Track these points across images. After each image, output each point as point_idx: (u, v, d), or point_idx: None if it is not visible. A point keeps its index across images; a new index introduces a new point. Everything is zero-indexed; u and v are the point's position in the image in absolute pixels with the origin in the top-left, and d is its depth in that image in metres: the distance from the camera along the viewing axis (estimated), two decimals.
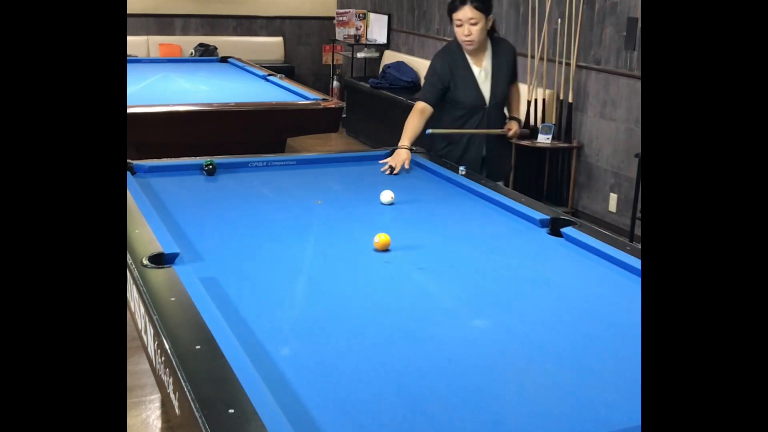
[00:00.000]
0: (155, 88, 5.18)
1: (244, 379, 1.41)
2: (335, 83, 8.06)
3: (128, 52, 7.44)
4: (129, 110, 3.98)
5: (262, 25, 8.58)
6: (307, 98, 4.85)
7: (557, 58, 5.20)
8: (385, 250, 2.25)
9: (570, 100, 5.18)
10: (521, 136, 3.87)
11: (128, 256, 2.02)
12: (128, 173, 2.81)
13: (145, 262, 1.97)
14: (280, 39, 8.61)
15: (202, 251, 2.19)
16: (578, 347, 1.72)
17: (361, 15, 8.06)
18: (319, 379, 1.53)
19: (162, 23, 8.15)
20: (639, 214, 4.47)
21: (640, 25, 4.63)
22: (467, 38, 3.28)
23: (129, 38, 7.62)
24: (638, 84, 4.71)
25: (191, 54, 7.80)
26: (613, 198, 4.97)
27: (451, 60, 3.38)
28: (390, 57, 7.57)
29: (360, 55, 7.94)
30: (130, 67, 5.12)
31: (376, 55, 7.93)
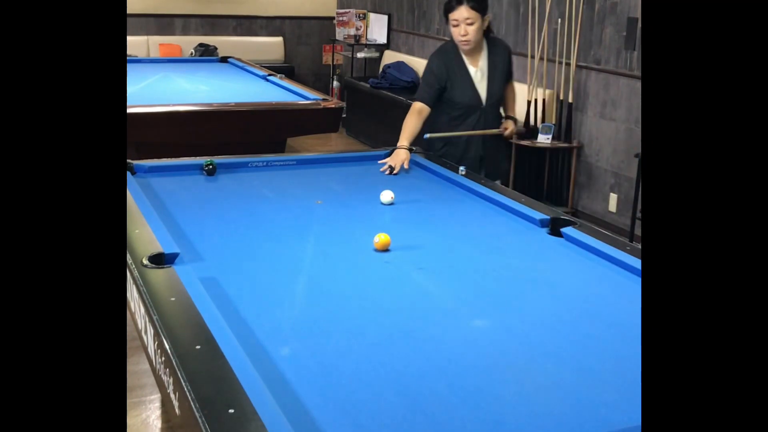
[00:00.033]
0: (155, 88, 5.18)
1: (244, 379, 1.41)
2: (335, 83, 8.06)
3: (128, 52, 7.44)
4: (129, 110, 3.98)
5: (262, 25, 8.58)
6: (307, 98, 4.86)
7: (557, 58, 5.20)
8: (385, 250, 2.25)
9: (570, 100, 5.18)
10: (517, 135, 3.88)
11: (128, 256, 2.02)
12: (128, 173, 2.81)
13: (145, 262, 1.97)
14: (280, 39, 8.61)
15: (202, 251, 2.19)
16: (578, 347, 1.72)
17: (361, 15, 8.06)
18: (319, 379, 1.53)
19: (162, 23, 8.15)
20: (639, 214, 4.47)
21: (640, 25, 4.63)
22: (464, 38, 3.29)
23: (129, 38, 7.62)
24: (638, 84, 4.71)
25: (191, 54, 7.81)
26: (613, 198, 4.97)
27: (448, 60, 3.39)
28: (390, 57, 7.57)
29: (360, 55, 7.94)
30: (130, 67, 5.12)
31: (376, 55, 7.93)
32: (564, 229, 2.42)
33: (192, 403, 1.34)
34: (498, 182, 3.25)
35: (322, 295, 1.96)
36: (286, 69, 7.38)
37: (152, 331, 1.69)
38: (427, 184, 3.06)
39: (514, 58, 5.81)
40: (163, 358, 1.58)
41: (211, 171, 3.02)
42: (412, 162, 3.25)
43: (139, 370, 3.01)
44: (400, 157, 3.18)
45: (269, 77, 5.63)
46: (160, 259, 2.00)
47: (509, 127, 3.51)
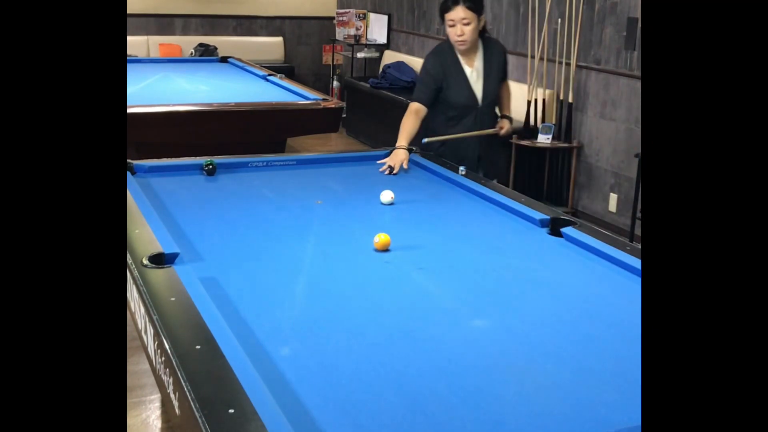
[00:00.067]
0: (155, 88, 5.18)
1: (244, 379, 1.41)
2: (335, 83, 8.06)
3: (128, 52, 7.44)
4: (129, 110, 3.98)
5: (262, 25, 8.58)
6: (307, 98, 4.86)
7: (557, 58, 5.20)
8: (385, 250, 2.25)
9: (570, 100, 5.18)
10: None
11: (128, 256, 2.02)
12: (128, 173, 2.81)
13: (145, 262, 1.97)
14: (280, 39, 8.61)
15: (202, 251, 2.19)
16: (578, 347, 1.72)
17: (361, 15, 8.06)
18: (319, 379, 1.53)
19: (162, 23, 8.15)
20: (639, 214, 4.47)
21: (640, 25, 4.63)
22: (460, 38, 3.30)
23: (129, 38, 7.62)
24: (638, 84, 4.71)
25: (191, 54, 7.81)
26: (613, 198, 4.97)
27: (443, 60, 3.40)
28: (390, 57, 7.57)
29: (360, 55, 7.94)
30: (130, 67, 5.13)
31: (376, 55, 7.94)
32: (564, 229, 2.42)
33: (192, 403, 1.34)
34: (495, 181, 3.25)
35: (322, 295, 1.96)
36: (286, 69, 7.38)
37: (152, 331, 1.69)
38: (427, 184, 3.06)
39: (514, 58, 5.85)
40: (163, 358, 1.58)
41: (211, 171, 3.02)
42: (411, 162, 3.25)
43: (139, 370, 3.01)
44: (399, 157, 3.18)
45: (269, 77, 5.63)
46: (160, 259, 2.00)
47: (505, 127, 3.53)
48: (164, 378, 1.58)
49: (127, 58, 6.19)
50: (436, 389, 1.51)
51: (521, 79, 5.71)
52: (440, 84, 3.37)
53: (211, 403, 1.33)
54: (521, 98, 5.46)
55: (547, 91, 5.30)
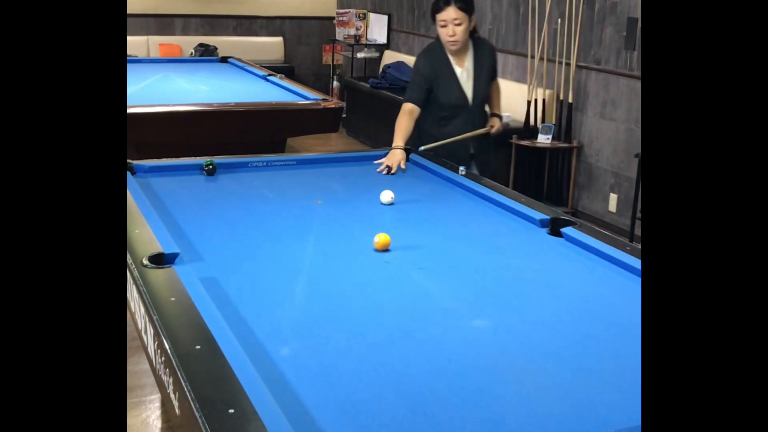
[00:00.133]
0: (155, 88, 5.18)
1: (244, 379, 1.41)
2: (335, 83, 8.06)
3: (128, 52, 7.44)
4: (129, 110, 3.98)
5: (262, 25, 8.58)
6: (307, 98, 4.86)
7: (557, 58, 5.20)
8: (385, 250, 2.25)
9: (570, 100, 5.18)
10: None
11: (128, 256, 2.02)
12: (128, 173, 2.81)
13: (145, 262, 1.97)
14: (280, 39, 8.61)
15: (202, 251, 2.19)
16: (578, 347, 1.72)
17: (361, 15, 8.06)
18: (319, 379, 1.53)
19: (162, 23, 8.15)
20: (639, 214, 4.47)
21: (640, 25, 4.63)
22: (451, 39, 3.32)
23: (129, 38, 7.62)
24: (638, 84, 4.71)
25: (191, 54, 7.81)
26: (613, 198, 4.97)
27: (434, 60, 3.42)
28: (390, 57, 7.57)
29: (360, 55, 7.94)
30: (130, 67, 5.13)
31: (376, 55, 7.94)
32: (564, 229, 2.42)
33: (192, 403, 1.34)
34: (495, 181, 3.25)
35: (322, 295, 1.96)
36: (286, 69, 7.39)
37: (152, 331, 1.69)
38: (427, 184, 3.06)
39: (514, 58, 5.85)
40: (163, 358, 1.58)
41: (211, 171, 3.02)
42: (412, 162, 3.25)
43: (139, 370, 3.01)
44: (396, 157, 3.19)
45: (269, 77, 5.64)
46: (160, 259, 2.00)
47: (495, 125, 3.58)
48: (164, 378, 1.58)
49: (127, 58, 6.19)
50: (436, 389, 1.51)
51: (521, 79, 5.71)
52: (431, 84, 3.39)
53: (211, 403, 1.33)
54: (521, 98, 5.46)
55: (547, 91, 5.30)
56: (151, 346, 1.73)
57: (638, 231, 4.51)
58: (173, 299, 1.78)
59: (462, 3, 3.27)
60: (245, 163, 3.17)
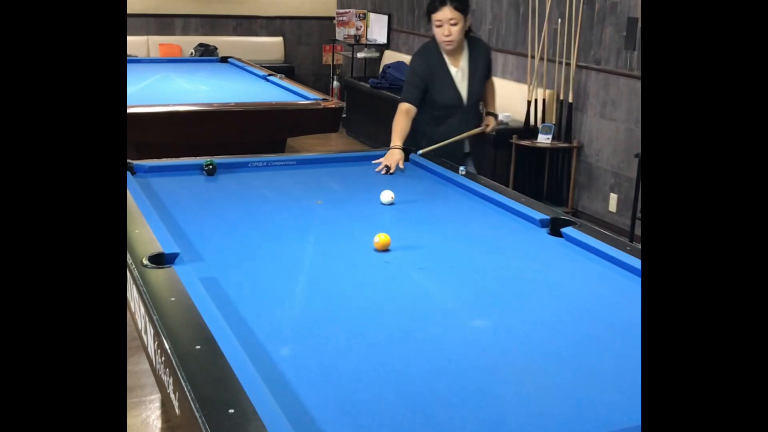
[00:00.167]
0: (155, 88, 5.18)
1: (244, 379, 1.41)
2: (335, 83, 8.06)
3: (128, 52, 7.44)
4: (129, 110, 3.98)
5: (262, 25, 8.58)
6: (307, 98, 4.86)
7: (557, 58, 5.20)
8: (385, 250, 2.25)
9: (570, 100, 5.18)
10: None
11: (128, 256, 2.02)
12: (128, 173, 2.81)
13: (145, 262, 1.97)
14: (280, 39, 8.61)
15: (202, 251, 2.19)
16: (578, 347, 1.72)
17: (361, 15, 8.06)
18: (319, 379, 1.53)
19: (162, 23, 8.15)
20: (639, 214, 4.47)
21: (640, 25, 4.63)
22: (447, 38, 3.33)
23: (129, 38, 7.62)
24: (638, 84, 4.71)
25: (191, 54, 7.81)
26: (613, 198, 4.97)
27: (430, 59, 3.44)
28: (390, 57, 7.57)
29: (360, 55, 7.94)
30: (130, 67, 5.12)
31: (376, 55, 7.94)
32: (564, 229, 2.42)
33: (192, 403, 1.34)
34: (494, 181, 3.26)
35: (322, 295, 1.96)
36: (286, 69, 7.38)
37: (152, 331, 1.69)
38: (427, 184, 3.06)
39: (514, 58, 5.85)
40: (163, 358, 1.58)
41: (211, 171, 3.02)
42: (412, 162, 3.26)
43: (139, 370, 3.01)
44: (394, 156, 3.19)
45: (269, 77, 5.64)
46: (160, 259, 2.00)
47: (491, 124, 3.62)
48: (164, 378, 1.58)
49: (127, 58, 6.19)
50: (436, 389, 1.51)
51: (521, 79, 5.71)
52: (427, 84, 3.40)
53: (211, 403, 1.33)
54: (521, 98, 5.46)
55: (547, 91, 5.30)
56: (151, 346, 1.73)
57: (638, 231, 4.51)
58: (173, 299, 1.78)
59: (457, 3, 3.29)
60: (245, 163, 3.17)
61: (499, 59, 6.06)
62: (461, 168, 3.09)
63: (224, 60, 6.74)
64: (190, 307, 1.73)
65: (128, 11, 7.37)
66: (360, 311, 1.87)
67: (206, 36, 8.26)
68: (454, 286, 2.06)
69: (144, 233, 2.18)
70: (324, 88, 8.16)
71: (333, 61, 8.40)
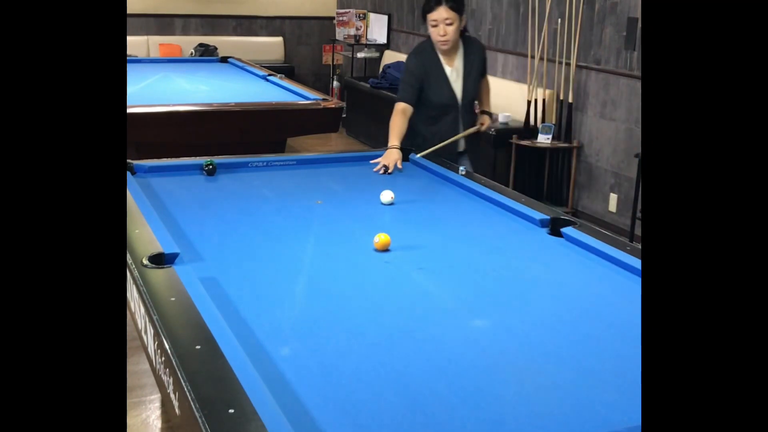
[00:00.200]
0: (155, 88, 5.18)
1: (244, 379, 1.41)
2: (335, 83, 8.06)
3: (128, 52, 7.44)
4: (129, 110, 3.98)
5: (262, 25, 8.58)
6: (307, 98, 4.86)
7: (557, 58, 5.20)
8: (385, 250, 2.25)
9: (570, 100, 5.18)
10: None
11: (128, 256, 2.02)
12: (128, 173, 2.81)
13: (145, 262, 1.97)
14: (280, 39, 8.61)
15: (202, 251, 2.19)
16: (578, 347, 1.72)
17: (361, 15, 8.06)
18: (319, 379, 1.53)
19: (162, 23, 8.15)
20: (639, 214, 4.47)
21: (640, 25, 4.63)
22: (443, 38, 3.34)
23: (129, 38, 7.62)
24: (638, 84, 4.71)
25: (191, 54, 7.81)
26: (613, 198, 4.97)
27: (425, 59, 3.45)
28: (390, 57, 7.57)
29: (360, 55, 7.94)
30: (130, 67, 5.12)
31: (376, 55, 7.93)
32: (564, 229, 2.42)
33: (192, 403, 1.34)
34: (494, 181, 3.27)
35: (322, 295, 1.96)
36: (286, 69, 7.38)
37: (152, 331, 1.69)
38: (427, 184, 3.06)
39: (514, 58, 5.85)
40: (163, 358, 1.58)
41: (211, 171, 3.02)
42: (412, 162, 3.26)
43: (139, 370, 3.01)
44: (392, 156, 3.20)
45: (269, 77, 5.64)
46: (160, 259, 2.00)
47: (485, 122, 3.64)
48: (164, 378, 1.58)
49: (127, 58, 6.19)
50: (436, 389, 1.51)
51: (521, 79, 5.71)
52: (422, 83, 3.41)
53: (211, 403, 1.33)
54: (521, 98, 5.46)
55: (547, 91, 5.30)
56: (151, 346, 1.73)
57: (638, 231, 4.51)
58: (173, 299, 1.78)
59: (453, 3, 3.30)
60: (245, 163, 3.17)
61: (499, 59, 6.06)
62: (461, 168, 3.09)
63: (224, 60, 6.74)
64: (190, 307, 1.73)
65: (128, 11, 7.37)
66: (360, 311, 1.87)
67: (206, 36, 8.26)
68: (454, 286, 2.06)
69: (144, 233, 2.18)
70: (324, 88, 8.16)
71: (333, 61, 8.40)
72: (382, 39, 7.89)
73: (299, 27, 8.72)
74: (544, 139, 5.16)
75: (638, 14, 4.65)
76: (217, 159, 3.10)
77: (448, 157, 3.35)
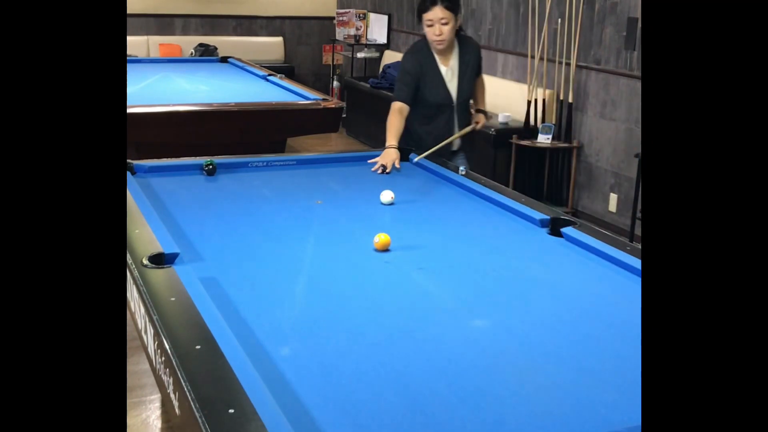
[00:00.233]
0: (155, 88, 5.18)
1: (244, 379, 1.41)
2: (335, 83, 8.06)
3: (128, 52, 7.44)
4: (129, 110, 3.98)
5: (262, 25, 8.58)
6: (307, 98, 4.86)
7: (557, 58, 5.20)
8: (385, 250, 2.25)
9: (570, 100, 5.18)
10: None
11: (128, 256, 2.02)
12: (128, 173, 2.81)
13: (145, 262, 1.97)
14: (280, 39, 8.61)
15: (202, 251, 2.19)
16: (578, 347, 1.72)
17: (361, 15, 8.06)
18: (319, 379, 1.53)
19: (162, 23, 8.15)
20: (639, 214, 4.47)
21: (640, 25, 4.63)
22: (438, 38, 3.35)
23: (129, 38, 7.62)
24: (638, 84, 4.71)
25: (191, 54, 7.81)
26: (613, 198, 4.97)
27: (421, 59, 3.46)
28: (390, 57, 7.57)
29: (360, 55, 7.94)
30: (130, 67, 5.13)
31: (376, 55, 7.93)
32: (564, 229, 2.42)
33: (192, 403, 1.34)
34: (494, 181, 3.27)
35: (322, 295, 1.96)
36: (286, 69, 7.38)
37: (152, 331, 1.69)
38: (427, 184, 3.06)
39: (514, 58, 5.86)
40: (163, 358, 1.58)
41: (211, 171, 3.02)
42: (412, 162, 3.26)
43: (139, 370, 3.01)
44: (390, 156, 3.20)
45: (269, 77, 5.64)
46: (160, 259, 2.00)
47: (480, 121, 3.66)
48: (164, 378, 1.58)
49: (127, 58, 6.19)
50: (436, 389, 1.51)
51: (521, 79, 5.71)
52: (417, 82, 3.41)
53: (211, 403, 1.33)
54: (521, 98, 5.46)
55: (547, 91, 5.30)
56: (151, 346, 1.73)
57: (638, 231, 4.51)
58: (173, 299, 1.78)
59: (448, 2, 3.30)
60: (245, 163, 3.17)
61: (499, 59, 6.06)
62: (461, 168, 3.09)
63: (224, 60, 6.74)
64: (190, 307, 1.73)
65: (128, 11, 7.37)
66: (360, 311, 1.87)
67: (206, 36, 8.26)
68: (454, 286, 2.06)
69: (144, 233, 2.18)
70: (324, 88, 8.16)
71: (333, 61, 8.40)
72: (382, 39, 7.89)
73: (299, 27, 8.72)
74: (544, 139, 5.16)
75: (638, 14, 4.65)
76: (217, 159, 3.10)
77: (448, 157, 3.36)
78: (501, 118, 5.43)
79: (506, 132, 5.31)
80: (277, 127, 4.63)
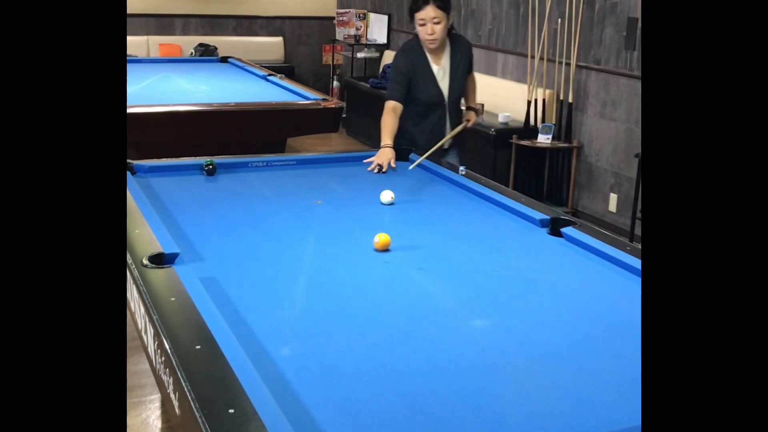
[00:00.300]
0: (155, 88, 5.18)
1: (244, 379, 1.41)
2: (335, 83, 8.06)
3: (128, 52, 7.44)
4: (129, 110, 3.98)
5: (262, 25, 8.58)
6: (307, 98, 4.86)
7: (557, 58, 5.20)
8: (385, 250, 2.25)
9: (570, 100, 5.18)
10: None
11: (128, 256, 2.02)
12: (128, 173, 2.81)
13: (145, 262, 1.97)
14: (280, 39, 8.61)
15: (202, 251, 2.19)
16: (578, 347, 1.72)
17: (361, 15, 8.06)
18: (319, 379, 1.53)
19: (162, 23, 8.15)
20: (639, 214, 4.47)
21: (640, 25, 4.63)
22: (431, 37, 3.36)
23: (129, 38, 7.62)
24: (638, 84, 4.71)
25: (191, 54, 7.81)
26: (613, 198, 4.97)
27: (413, 58, 3.47)
28: (390, 57, 7.54)
29: (360, 55, 7.94)
30: (130, 67, 5.12)
31: (376, 55, 7.93)
32: (564, 229, 2.42)
33: (192, 403, 1.34)
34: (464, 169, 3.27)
35: (322, 295, 1.96)
36: (286, 69, 7.39)
37: (152, 331, 1.69)
38: (427, 184, 3.06)
39: (514, 58, 5.86)
40: (163, 358, 1.58)
41: (211, 171, 3.02)
42: (411, 161, 3.25)
43: (139, 370, 3.01)
44: (386, 155, 3.20)
45: (269, 77, 5.64)
46: (160, 259, 2.00)
47: (471, 119, 3.69)
48: (164, 378, 1.58)
49: (127, 58, 6.19)
50: (436, 389, 1.51)
51: (521, 79, 5.71)
52: (410, 81, 3.43)
53: (211, 403, 1.33)
54: (521, 98, 5.46)
55: (547, 91, 5.30)
56: (151, 346, 1.73)
57: (638, 231, 4.51)
58: (173, 299, 1.78)
59: (440, 1, 3.32)
60: (245, 163, 3.17)
61: (499, 59, 6.06)
62: (461, 168, 3.09)
63: (224, 60, 6.74)
64: (190, 307, 1.73)
65: (128, 11, 7.37)
66: (360, 311, 1.87)
67: (206, 36, 8.26)
68: (454, 286, 2.06)
69: (144, 233, 2.18)
70: (324, 88, 8.16)
71: (333, 61, 8.41)
72: (382, 39, 7.89)
73: (299, 27, 8.72)
74: (544, 139, 5.16)
75: (638, 14, 4.66)
76: (217, 159, 3.10)
77: (435, 154, 3.36)
78: (501, 118, 5.43)
79: (506, 132, 5.31)
80: (277, 127, 4.63)
